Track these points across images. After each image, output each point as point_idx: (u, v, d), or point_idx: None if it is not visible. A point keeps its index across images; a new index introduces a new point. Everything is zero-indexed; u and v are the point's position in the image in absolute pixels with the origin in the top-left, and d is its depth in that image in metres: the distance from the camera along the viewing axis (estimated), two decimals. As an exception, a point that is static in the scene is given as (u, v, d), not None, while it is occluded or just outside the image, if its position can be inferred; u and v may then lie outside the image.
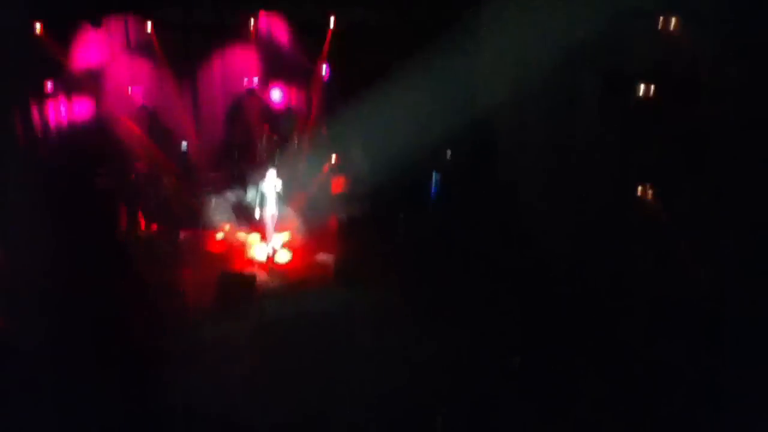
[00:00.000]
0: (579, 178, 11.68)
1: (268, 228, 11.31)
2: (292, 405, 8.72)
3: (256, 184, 11.20)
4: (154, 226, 12.49)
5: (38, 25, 11.59)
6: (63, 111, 13.25)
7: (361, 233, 12.59)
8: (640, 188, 10.68)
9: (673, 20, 9.89)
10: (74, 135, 13.44)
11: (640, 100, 10.55)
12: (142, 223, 12.47)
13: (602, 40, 10.68)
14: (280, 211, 11.31)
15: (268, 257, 11.59)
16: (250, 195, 11.82)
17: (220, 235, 12.56)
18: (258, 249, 11.96)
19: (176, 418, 8.23)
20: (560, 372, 9.10)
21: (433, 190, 14.11)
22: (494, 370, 9.34)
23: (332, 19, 14.20)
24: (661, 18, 9.97)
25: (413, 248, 12.26)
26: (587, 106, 11.47)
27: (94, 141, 13.49)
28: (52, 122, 13.01)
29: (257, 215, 11.25)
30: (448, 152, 13.84)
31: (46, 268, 10.04)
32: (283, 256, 11.66)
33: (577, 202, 11.72)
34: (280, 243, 11.81)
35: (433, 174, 13.98)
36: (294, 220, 12.86)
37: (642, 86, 10.47)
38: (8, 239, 9.14)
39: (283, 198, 11.19)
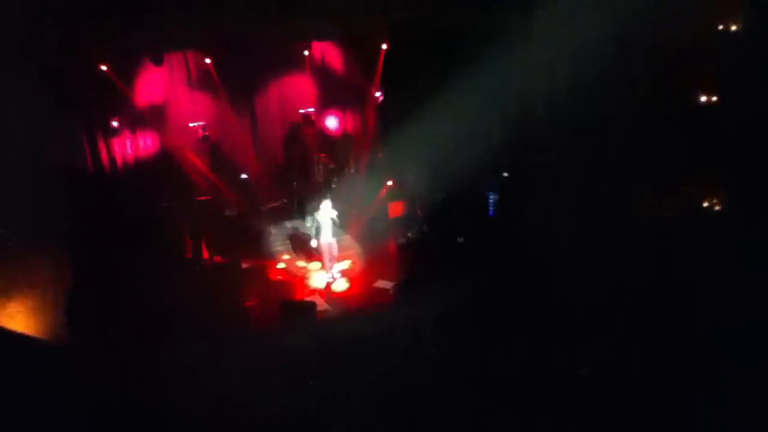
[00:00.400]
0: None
1: (325, 257, 11.40)
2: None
3: (314, 213, 11.26)
4: (218, 257, 12.73)
5: (104, 67, 12.03)
6: (129, 145, 13.79)
7: (420, 257, 12.57)
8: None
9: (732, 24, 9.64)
10: (139, 168, 13.96)
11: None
12: (206, 253, 12.75)
13: (658, 40, 10.49)
14: (337, 239, 11.38)
15: (327, 285, 11.67)
16: (308, 224, 11.92)
17: (281, 265, 12.74)
18: (317, 277, 12.08)
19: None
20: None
21: (491, 212, 13.99)
22: (564, 386, 9.19)
23: (384, 45, 14.27)
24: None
25: (472, 270, 12.11)
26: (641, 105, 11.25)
27: (158, 174, 13.98)
28: (119, 157, 13.54)
29: (315, 244, 11.33)
30: (505, 174, 13.69)
31: (112, 295, 10.42)
32: (341, 285, 11.73)
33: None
34: (339, 271, 11.87)
35: (489, 195, 13.86)
36: (353, 247, 12.97)
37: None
38: (77, 271, 9.50)
39: (340, 226, 11.24)
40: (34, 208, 8.73)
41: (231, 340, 10.04)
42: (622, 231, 11.32)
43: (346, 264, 12.34)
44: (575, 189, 12.34)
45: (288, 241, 13.49)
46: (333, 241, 11.29)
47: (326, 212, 10.96)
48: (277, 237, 13.54)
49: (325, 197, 11.22)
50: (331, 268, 11.44)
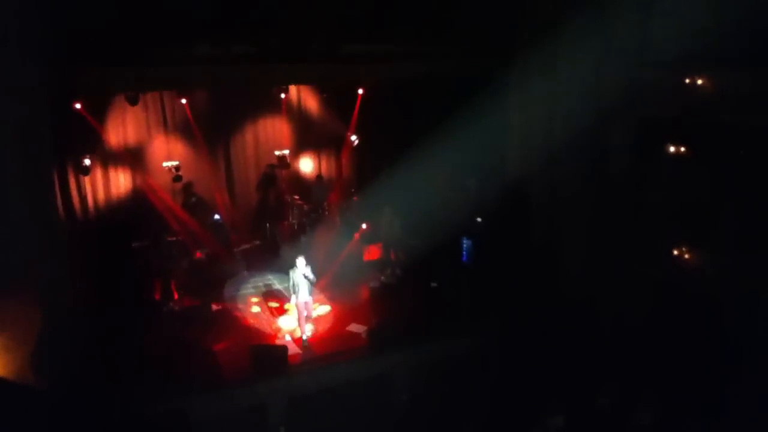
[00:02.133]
0: (615, 231, 11.56)
1: (301, 316, 11.16)
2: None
3: (289, 271, 11.05)
4: (187, 298, 12.52)
5: (78, 104, 11.92)
6: (100, 184, 13.60)
7: (394, 301, 12.49)
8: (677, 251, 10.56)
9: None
10: (111, 207, 13.76)
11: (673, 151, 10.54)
12: (175, 294, 12.53)
13: (631, 90, 10.74)
14: (311, 296, 11.14)
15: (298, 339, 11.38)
16: (286, 284, 11.67)
17: (255, 309, 12.56)
18: (287, 320, 11.94)
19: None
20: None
21: (464, 256, 14.01)
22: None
23: (360, 89, 14.39)
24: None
25: (447, 314, 12.08)
26: (620, 159, 11.43)
27: (129, 213, 13.78)
28: (90, 195, 13.34)
29: (293, 302, 11.12)
30: (479, 219, 13.76)
31: (80, 332, 10.16)
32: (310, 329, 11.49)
33: (614, 256, 11.59)
34: (311, 332, 11.56)
35: (464, 240, 13.90)
36: (325, 291, 12.86)
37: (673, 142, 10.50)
38: (46, 305, 9.26)
39: (313, 282, 11.00)
40: (8, 249, 8.50)
41: (200, 387, 9.84)
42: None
43: (324, 310, 12.15)
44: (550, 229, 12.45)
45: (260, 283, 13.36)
46: (309, 300, 11.00)
47: (301, 269, 10.76)
48: (248, 280, 13.36)
49: (299, 254, 11.01)
50: (304, 327, 11.19)
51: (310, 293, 10.96)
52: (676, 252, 10.54)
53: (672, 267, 10.62)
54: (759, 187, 9.33)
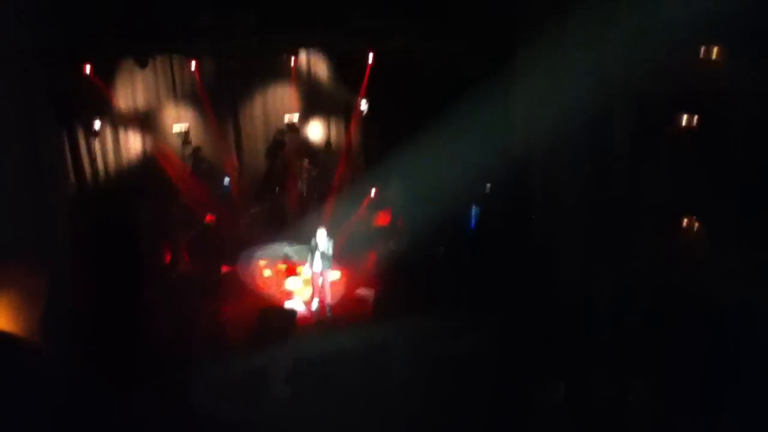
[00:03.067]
0: (618, 218, 11.50)
1: (315, 285, 11.24)
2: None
3: (302, 239, 11.03)
4: (197, 262, 12.61)
5: (87, 66, 11.91)
6: (110, 148, 13.65)
7: (401, 267, 12.54)
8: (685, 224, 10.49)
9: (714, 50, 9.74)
10: (120, 171, 13.82)
11: (680, 135, 10.41)
12: (185, 258, 12.63)
13: (639, 76, 10.59)
14: (325, 269, 11.16)
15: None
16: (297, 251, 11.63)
17: (267, 272, 12.68)
18: (297, 282, 12.06)
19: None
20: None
21: (472, 224, 14.02)
22: (537, 402, 9.20)
23: (371, 54, 14.28)
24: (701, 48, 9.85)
25: (453, 281, 12.12)
26: (624, 145, 11.33)
27: (139, 177, 13.85)
28: (99, 158, 13.40)
29: (308, 272, 11.15)
30: (488, 185, 13.72)
31: (86, 300, 10.27)
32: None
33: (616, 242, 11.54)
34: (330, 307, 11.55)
35: (473, 207, 13.89)
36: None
37: (682, 119, 10.35)
38: (51, 272, 9.35)
39: (329, 259, 11.01)
40: (11, 207, 8.56)
41: (208, 350, 9.97)
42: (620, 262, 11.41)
43: (335, 276, 12.21)
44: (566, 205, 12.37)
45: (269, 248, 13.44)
46: (326, 272, 10.98)
47: (321, 242, 10.75)
48: (263, 249, 13.42)
49: (320, 227, 10.98)
50: (319, 299, 11.22)
51: (327, 267, 10.96)
52: (675, 235, 10.46)
53: (671, 251, 10.56)
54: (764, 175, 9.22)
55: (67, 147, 12.23)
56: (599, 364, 10.16)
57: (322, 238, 10.68)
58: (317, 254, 10.72)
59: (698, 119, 10.22)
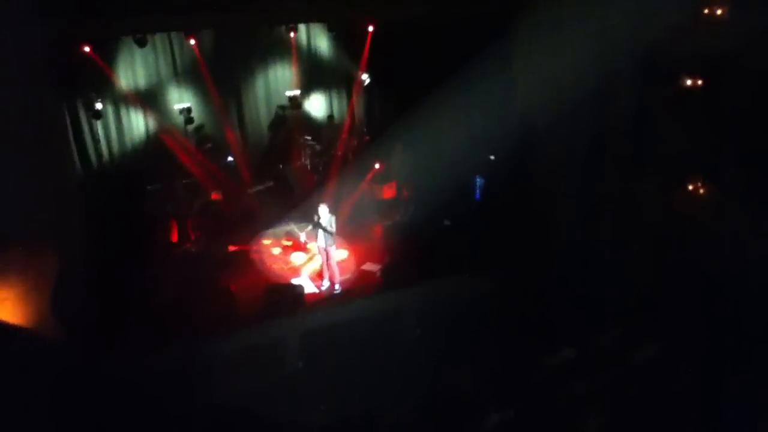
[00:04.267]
0: (619, 175, 11.47)
1: (322, 260, 11.26)
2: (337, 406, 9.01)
3: (308, 217, 11.04)
4: (204, 240, 12.69)
5: (87, 47, 11.87)
6: (113, 128, 13.66)
7: (407, 239, 12.58)
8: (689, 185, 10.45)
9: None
10: (123, 150, 13.85)
11: (684, 92, 10.32)
12: (192, 235, 12.70)
13: (642, 31, 10.46)
14: (332, 245, 11.14)
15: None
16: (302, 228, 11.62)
17: (267, 241, 12.76)
18: (301, 257, 12.15)
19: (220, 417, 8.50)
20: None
21: (477, 195, 14.03)
22: (543, 369, 9.32)
23: (371, 27, 14.15)
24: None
25: (459, 253, 12.17)
26: (627, 100, 11.24)
27: (143, 156, 13.87)
28: (102, 139, 13.42)
29: (314, 248, 11.21)
30: (492, 157, 13.69)
31: (95, 276, 10.39)
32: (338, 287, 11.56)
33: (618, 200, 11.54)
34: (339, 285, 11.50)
35: (477, 179, 13.89)
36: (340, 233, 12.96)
37: (686, 78, 10.26)
38: (62, 250, 9.44)
39: (332, 234, 11.04)
40: (19, 195, 8.62)
41: (217, 326, 10.09)
42: (623, 223, 11.39)
43: (342, 255, 12.18)
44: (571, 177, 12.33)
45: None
46: (330, 248, 10.98)
47: (323, 218, 10.78)
48: (269, 227, 13.45)
49: (321, 203, 10.96)
50: (327, 276, 11.28)
51: (330, 243, 10.96)
52: (677, 191, 10.44)
53: (674, 207, 10.56)
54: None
55: (69, 128, 12.25)
56: (604, 323, 10.26)
57: (324, 213, 10.72)
58: (320, 230, 10.77)
59: (704, 79, 10.15)
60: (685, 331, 9.60)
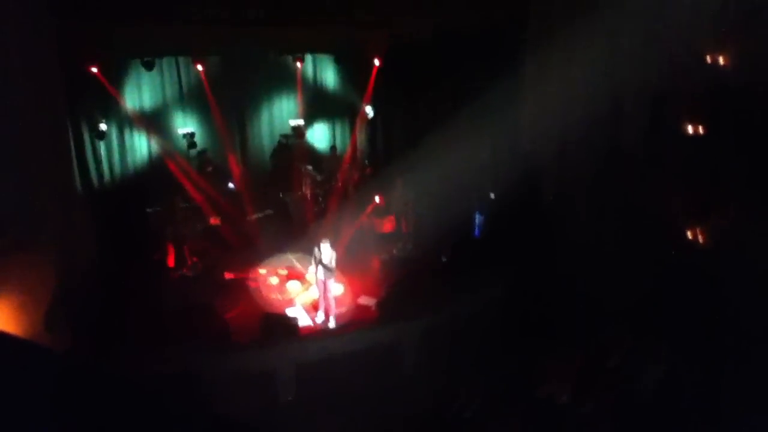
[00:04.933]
0: (625, 215, 11.50)
1: (319, 293, 11.20)
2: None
3: (314, 252, 11.03)
4: (201, 265, 12.63)
5: (94, 68, 11.95)
6: (115, 149, 13.68)
7: (404, 274, 12.52)
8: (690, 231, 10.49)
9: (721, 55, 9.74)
10: (126, 172, 13.85)
11: (689, 134, 10.41)
12: (189, 259, 12.64)
13: (649, 75, 10.58)
14: (327, 278, 11.05)
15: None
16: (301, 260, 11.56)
17: (263, 271, 12.70)
18: (297, 286, 12.08)
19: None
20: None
21: (476, 232, 14.02)
22: (544, 407, 9.19)
23: (376, 60, 14.29)
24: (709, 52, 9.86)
25: (457, 289, 12.11)
26: (634, 143, 11.32)
27: (144, 178, 13.86)
28: (105, 160, 13.43)
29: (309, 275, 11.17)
30: (492, 194, 13.73)
31: (93, 294, 10.32)
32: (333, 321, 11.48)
33: (623, 238, 11.54)
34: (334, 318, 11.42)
35: (476, 216, 13.90)
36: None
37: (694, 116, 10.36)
38: (60, 266, 9.40)
39: (332, 270, 11.00)
40: (21, 206, 8.61)
41: (210, 351, 9.97)
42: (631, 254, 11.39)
43: (338, 290, 12.03)
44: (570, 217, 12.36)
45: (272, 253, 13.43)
46: (328, 281, 10.93)
47: (325, 254, 10.75)
48: (268, 258, 13.39)
49: (324, 239, 10.93)
50: (323, 309, 11.22)
51: (329, 276, 10.90)
52: (684, 228, 10.47)
53: (679, 243, 10.57)
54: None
55: (72, 147, 12.26)
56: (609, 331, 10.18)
57: (325, 249, 10.68)
58: (320, 266, 10.73)
59: (710, 116, 10.25)
60: (690, 355, 9.54)
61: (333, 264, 10.78)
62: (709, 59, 9.86)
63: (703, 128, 10.32)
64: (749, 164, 9.59)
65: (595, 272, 11.65)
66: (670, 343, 9.75)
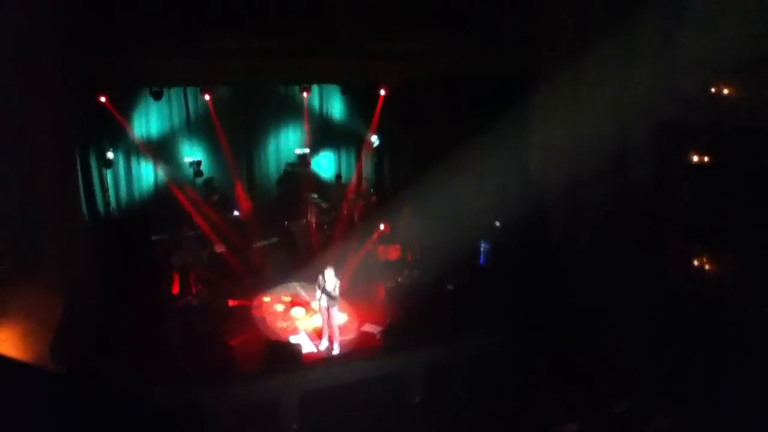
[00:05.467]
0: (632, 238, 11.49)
1: (323, 321, 11.18)
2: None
3: (318, 279, 11.04)
4: (206, 293, 12.61)
5: (103, 98, 12.09)
6: (122, 177, 13.78)
7: (409, 302, 12.45)
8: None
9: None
10: (132, 200, 13.92)
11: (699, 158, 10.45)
12: (194, 288, 12.62)
13: (656, 97, 10.64)
14: (331, 306, 11.02)
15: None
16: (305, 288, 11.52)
17: (266, 298, 12.69)
18: (303, 319, 12.02)
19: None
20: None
21: (481, 260, 13.98)
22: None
23: (382, 91, 14.38)
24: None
25: (462, 317, 12.06)
26: (641, 165, 11.34)
27: (150, 206, 13.91)
28: (112, 188, 13.52)
29: (316, 307, 11.20)
30: (497, 223, 13.71)
31: (99, 322, 10.29)
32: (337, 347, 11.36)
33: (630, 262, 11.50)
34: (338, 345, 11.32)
35: (482, 244, 13.87)
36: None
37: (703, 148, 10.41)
38: (67, 295, 9.40)
39: (335, 298, 10.98)
40: (28, 232, 8.66)
41: (214, 380, 9.91)
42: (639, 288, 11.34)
43: (342, 319, 11.90)
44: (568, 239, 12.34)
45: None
46: (332, 309, 10.90)
47: (329, 282, 10.75)
48: (273, 287, 13.37)
49: (328, 267, 10.93)
50: (327, 336, 11.15)
51: (333, 304, 10.87)
52: (693, 261, 10.45)
53: (688, 275, 10.54)
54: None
55: (80, 174, 12.34)
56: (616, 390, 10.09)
57: (330, 278, 10.67)
58: (323, 291, 10.70)
59: (718, 149, 10.30)
60: (698, 404, 9.44)
61: (336, 292, 10.75)
62: (715, 91, 9.94)
63: (710, 161, 10.37)
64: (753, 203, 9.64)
65: (603, 314, 11.64)
66: (678, 394, 9.71)
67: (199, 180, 14.16)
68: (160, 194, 14.10)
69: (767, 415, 8.78)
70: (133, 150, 13.82)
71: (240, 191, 14.75)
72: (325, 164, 16.34)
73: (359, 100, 15.50)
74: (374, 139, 15.63)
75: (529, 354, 11.29)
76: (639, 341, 11.33)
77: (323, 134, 15.94)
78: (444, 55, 12.86)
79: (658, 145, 11.10)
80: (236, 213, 14.46)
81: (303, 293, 12.76)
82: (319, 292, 10.84)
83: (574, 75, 11.76)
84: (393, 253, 14.14)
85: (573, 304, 11.96)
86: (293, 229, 14.92)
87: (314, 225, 15.06)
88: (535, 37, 12.58)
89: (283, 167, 15.69)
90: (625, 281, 11.60)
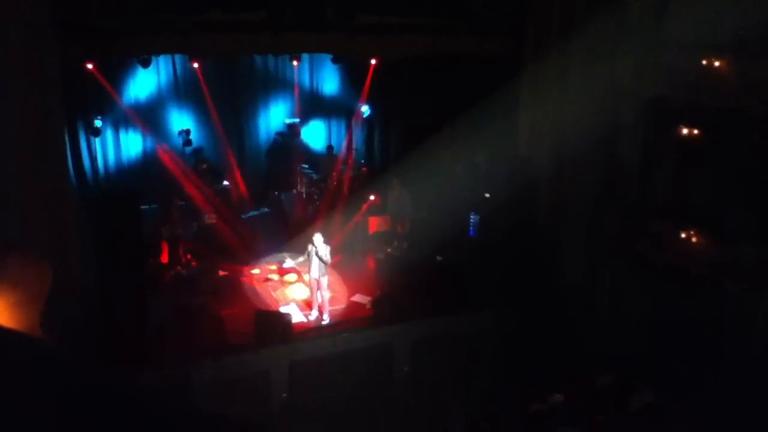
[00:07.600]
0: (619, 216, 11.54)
1: (313, 292, 11.20)
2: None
3: (302, 248, 10.99)
4: (195, 262, 12.60)
5: (90, 65, 11.90)
6: (111, 146, 13.65)
7: (399, 273, 12.51)
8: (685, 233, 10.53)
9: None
10: (121, 170, 13.81)
11: (687, 139, 10.46)
12: (183, 258, 12.60)
13: (645, 72, 10.60)
14: (324, 276, 11.05)
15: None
16: (301, 259, 11.54)
17: (256, 271, 12.68)
18: (294, 289, 12.05)
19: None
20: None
21: (471, 232, 14.02)
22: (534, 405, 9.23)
23: (373, 60, 14.24)
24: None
25: (451, 289, 12.13)
26: (632, 147, 11.34)
27: (139, 176, 13.81)
28: (101, 157, 13.40)
29: (307, 279, 11.20)
30: (487, 194, 13.71)
31: (88, 294, 10.27)
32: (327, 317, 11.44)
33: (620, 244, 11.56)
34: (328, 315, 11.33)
35: (471, 215, 13.89)
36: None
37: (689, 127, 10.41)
38: (55, 265, 9.34)
39: (326, 262, 10.96)
40: (14, 202, 8.59)
41: (205, 352, 9.95)
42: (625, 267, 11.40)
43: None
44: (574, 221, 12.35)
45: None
46: (323, 278, 10.88)
47: (319, 248, 10.73)
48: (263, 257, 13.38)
49: (317, 231, 10.92)
50: (317, 306, 11.17)
51: (323, 273, 10.87)
52: (680, 237, 10.51)
53: (675, 253, 10.61)
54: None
55: (68, 143, 12.20)
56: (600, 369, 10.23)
57: (319, 243, 10.67)
58: (314, 260, 10.70)
59: (706, 127, 10.31)
60: (681, 380, 9.59)
61: (329, 257, 10.76)
62: (704, 64, 9.89)
63: (698, 135, 10.38)
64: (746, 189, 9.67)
65: (588, 291, 11.73)
66: (663, 371, 9.84)
67: (189, 149, 14.04)
68: (149, 163, 13.98)
69: (748, 389, 8.93)
70: (121, 119, 13.65)
71: (230, 160, 14.66)
72: (315, 134, 16.24)
73: (350, 70, 15.36)
74: (364, 109, 15.51)
75: (515, 328, 11.40)
76: (623, 318, 11.48)
77: (313, 104, 15.83)
78: (433, 34, 12.72)
79: (646, 124, 11.09)
80: (226, 183, 14.40)
81: (293, 263, 12.78)
82: (309, 260, 10.83)
83: (563, 54, 11.67)
84: (382, 224, 14.16)
85: (559, 280, 12.05)
86: (283, 200, 14.89)
87: (304, 195, 15.04)
88: (524, 16, 12.44)
89: (272, 137, 15.58)
90: (610, 259, 11.67)
